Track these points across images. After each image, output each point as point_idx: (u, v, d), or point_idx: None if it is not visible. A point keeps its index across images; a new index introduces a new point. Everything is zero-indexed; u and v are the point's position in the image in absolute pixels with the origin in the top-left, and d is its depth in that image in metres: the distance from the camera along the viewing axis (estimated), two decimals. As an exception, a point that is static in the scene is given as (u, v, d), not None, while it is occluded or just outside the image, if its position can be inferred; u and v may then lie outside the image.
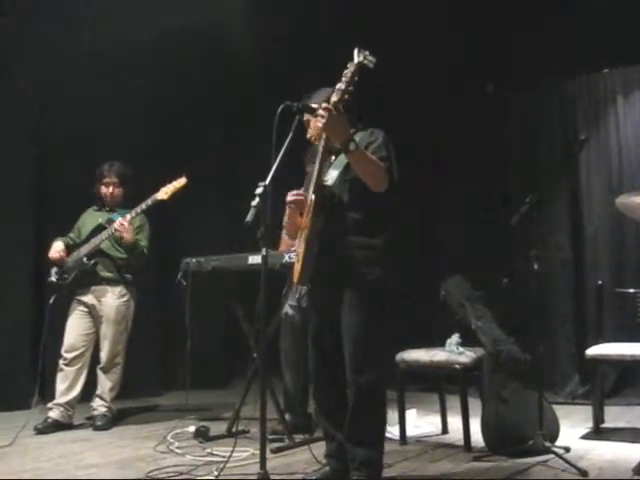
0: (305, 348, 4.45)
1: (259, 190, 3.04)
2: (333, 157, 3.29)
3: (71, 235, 5.04)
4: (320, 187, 3.17)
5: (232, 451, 3.31)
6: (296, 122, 3.21)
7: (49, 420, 4.63)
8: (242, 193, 4.39)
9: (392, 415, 4.00)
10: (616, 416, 4.86)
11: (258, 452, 3.00)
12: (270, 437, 4.01)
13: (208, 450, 3.95)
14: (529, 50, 5.92)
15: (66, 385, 4.73)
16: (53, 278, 4.88)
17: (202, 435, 4.26)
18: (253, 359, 4.38)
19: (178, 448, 4.06)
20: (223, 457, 3.59)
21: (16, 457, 3.90)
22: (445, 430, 4.49)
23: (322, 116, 3.00)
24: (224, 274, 4.54)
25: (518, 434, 3.77)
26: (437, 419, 4.55)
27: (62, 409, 4.69)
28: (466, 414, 4.03)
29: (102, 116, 5.95)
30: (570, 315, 5.94)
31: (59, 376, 4.77)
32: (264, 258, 3.07)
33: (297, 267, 3.19)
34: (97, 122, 5.94)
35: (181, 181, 4.73)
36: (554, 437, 3.91)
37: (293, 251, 4.12)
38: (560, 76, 6.16)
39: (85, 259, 4.83)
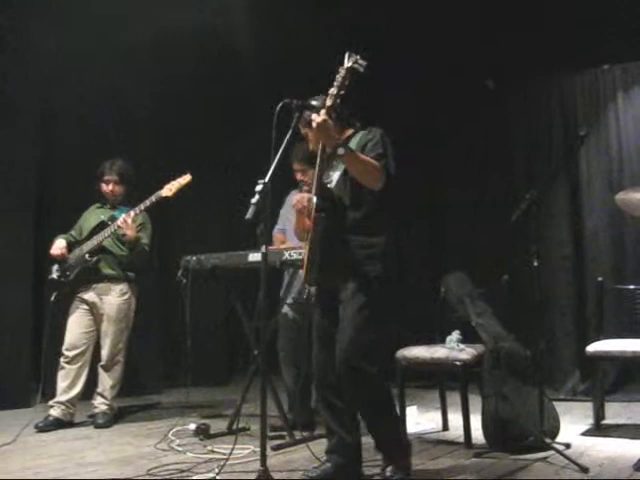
0: (304, 346, 4.49)
1: (259, 187, 3.06)
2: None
3: (72, 233, 5.05)
4: (322, 189, 3.22)
5: (232, 448, 3.33)
6: (295, 119, 3.23)
7: (50, 418, 4.64)
8: (243, 191, 4.42)
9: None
10: (617, 412, 4.87)
11: (259, 449, 3.01)
12: (270, 434, 4.02)
13: (209, 447, 3.96)
14: (529, 46, 5.91)
15: (67, 383, 4.74)
16: (54, 275, 4.88)
17: (203, 433, 4.27)
18: (254, 356, 4.38)
19: (179, 446, 4.07)
20: (224, 454, 3.59)
21: (18, 455, 3.90)
22: (446, 427, 4.50)
23: (313, 117, 3.09)
24: (224, 271, 4.54)
25: (518, 431, 3.77)
26: (438, 416, 4.56)
27: (63, 407, 4.70)
28: (466, 411, 4.04)
29: (104, 115, 5.97)
30: (570, 311, 5.94)
31: (60, 374, 4.78)
32: (264, 255, 3.08)
33: (304, 268, 3.24)
34: (99, 121, 5.95)
35: (185, 178, 4.73)
36: (555, 434, 3.91)
37: (292, 249, 4.14)
38: (560, 72, 6.16)
39: (87, 256, 4.83)
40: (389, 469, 3.21)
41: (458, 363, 4.07)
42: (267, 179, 3.11)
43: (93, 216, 5.04)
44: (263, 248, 3.09)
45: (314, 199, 3.20)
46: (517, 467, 3.48)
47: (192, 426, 4.36)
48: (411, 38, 6.08)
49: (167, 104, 6.41)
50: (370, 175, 3.16)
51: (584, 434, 4.25)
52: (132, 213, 4.74)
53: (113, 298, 4.87)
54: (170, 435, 4.30)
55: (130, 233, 4.77)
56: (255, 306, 4.64)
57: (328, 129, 3.10)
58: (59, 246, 4.89)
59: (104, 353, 4.85)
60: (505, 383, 3.92)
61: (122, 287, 4.92)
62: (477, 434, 3.96)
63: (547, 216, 5.88)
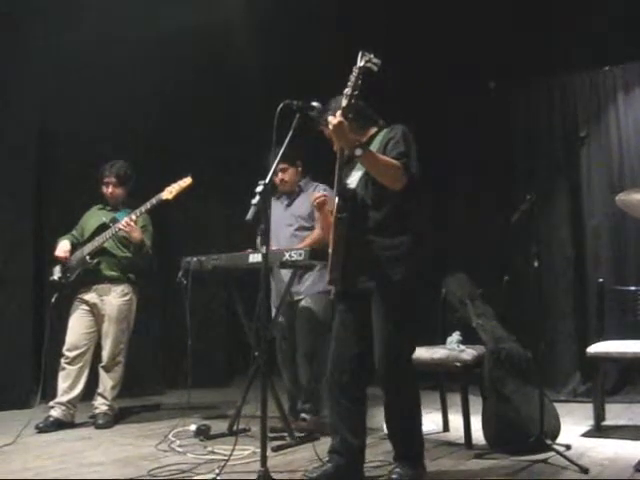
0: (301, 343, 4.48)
1: (259, 188, 3.06)
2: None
3: (74, 233, 5.06)
4: (343, 190, 3.22)
5: (233, 449, 3.33)
6: (296, 120, 3.23)
7: (51, 419, 4.64)
8: (243, 192, 4.43)
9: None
10: (617, 414, 4.86)
11: (259, 450, 3.01)
12: (271, 435, 4.02)
13: (209, 448, 3.96)
14: (530, 47, 5.91)
15: (68, 384, 4.74)
16: (55, 277, 4.88)
17: (203, 433, 4.27)
18: (254, 357, 4.37)
19: (179, 446, 4.07)
20: (224, 455, 3.58)
21: (18, 456, 3.90)
22: (446, 428, 4.50)
23: (330, 118, 3.09)
24: (225, 273, 4.54)
25: (519, 432, 3.77)
26: (438, 417, 4.55)
27: (64, 408, 4.70)
28: (467, 412, 4.04)
29: (104, 116, 5.96)
30: (571, 313, 5.94)
31: (61, 375, 4.78)
32: (264, 256, 3.09)
33: (328, 268, 3.25)
34: (99, 122, 5.95)
35: (186, 181, 4.73)
36: (555, 435, 3.91)
37: (292, 250, 4.15)
38: (561, 73, 6.16)
39: (88, 258, 4.84)
40: (395, 473, 3.20)
41: (458, 364, 4.07)
42: (267, 180, 3.12)
43: (94, 217, 5.05)
44: (263, 249, 3.09)
45: (335, 200, 3.20)
46: (518, 468, 3.48)
47: (193, 427, 4.36)
48: (413, 38, 6.09)
49: (167, 105, 6.41)
50: (390, 175, 3.15)
51: (584, 435, 4.25)
52: (133, 215, 4.75)
53: (114, 299, 4.88)
54: (171, 436, 4.30)
55: (136, 235, 4.77)
56: (255, 307, 4.68)
57: (344, 130, 3.08)
58: (63, 249, 4.90)
59: (105, 354, 4.85)
60: (506, 384, 3.92)
61: (123, 288, 4.92)
62: (477, 435, 3.96)
63: (548, 217, 5.88)
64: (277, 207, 4.63)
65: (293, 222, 4.59)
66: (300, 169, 4.67)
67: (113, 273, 4.91)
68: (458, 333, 4.23)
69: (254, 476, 3.01)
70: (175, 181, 4.74)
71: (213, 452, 3.87)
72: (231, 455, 3.33)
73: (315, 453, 3.48)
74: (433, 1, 5.99)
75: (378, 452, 3.77)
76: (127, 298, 4.93)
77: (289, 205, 4.67)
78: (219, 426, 4.46)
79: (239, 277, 4.65)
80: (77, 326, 4.85)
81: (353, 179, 3.33)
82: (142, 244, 4.85)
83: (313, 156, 4.61)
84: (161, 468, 3.52)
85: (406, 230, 3.25)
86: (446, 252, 6.32)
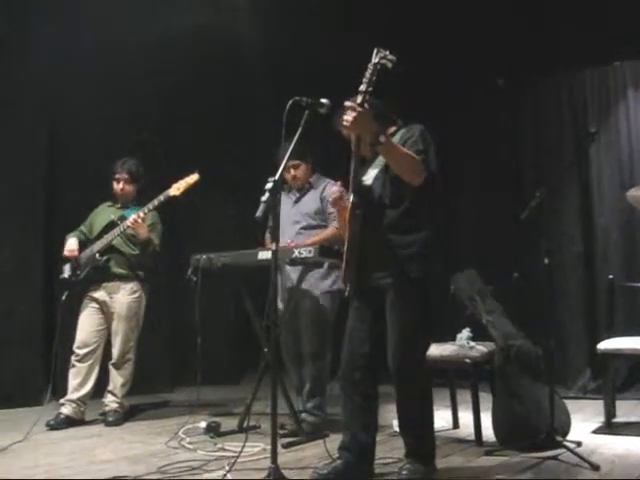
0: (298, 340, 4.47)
1: (269, 185, 3.06)
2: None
3: (83, 230, 5.07)
4: (358, 186, 3.21)
5: (243, 446, 3.33)
6: (305, 117, 3.22)
7: (61, 416, 4.66)
8: (252, 188, 4.43)
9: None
10: (628, 410, 4.85)
11: (269, 447, 3.01)
12: (281, 432, 4.02)
13: (219, 445, 3.97)
14: (539, 43, 5.90)
15: (78, 381, 4.76)
16: (65, 275, 4.90)
17: (213, 430, 4.28)
18: (264, 354, 4.38)
19: (189, 443, 4.07)
20: (234, 452, 3.59)
21: (29, 452, 3.92)
22: (456, 425, 4.50)
23: (346, 116, 3.07)
24: (235, 270, 4.55)
25: (529, 428, 3.76)
26: (448, 414, 4.55)
27: (74, 405, 4.71)
28: (477, 408, 4.03)
29: (112, 115, 5.98)
30: (581, 309, 5.92)
31: (71, 372, 4.80)
32: (274, 253, 3.09)
33: (343, 266, 3.25)
34: (107, 121, 5.96)
35: (193, 177, 4.73)
36: (565, 431, 3.91)
37: (302, 247, 4.14)
38: (570, 69, 6.14)
39: (97, 255, 4.85)
40: (405, 469, 3.20)
41: (468, 361, 4.07)
42: (277, 177, 3.12)
43: (103, 215, 5.06)
44: (273, 246, 3.09)
45: (350, 197, 3.19)
46: (528, 465, 3.47)
47: (203, 424, 4.37)
48: (421, 36, 6.07)
49: (174, 103, 6.41)
50: (410, 168, 3.13)
51: (595, 432, 4.24)
52: (141, 213, 4.76)
53: (123, 297, 4.89)
54: (181, 433, 4.31)
55: (142, 232, 4.78)
56: (265, 304, 4.68)
57: (366, 120, 3.07)
58: (70, 247, 4.91)
59: (115, 351, 4.87)
60: (516, 381, 3.91)
61: (132, 286, 4.93)
62: (488, 432, 3.96)
63: (557, 213, 5.86)
64: (285, 202, 4.59)
65: (300, 219, 4.56)
66: (311, 165, 4.65)
67: (122, 271, 4.92)
68: (468, 330, 4.22)
69: (264, 473, 3.01)
70: (182, 178, 4.74)
71: (223, 449, 3.88)
72: (241, 452, 3.33)
73: (325, 450, 3.48)
74: (442, 0, 5.98)
75: (389, 449, 3.77)
76: (136, 296, 4.94)
77: (297, 201, 4.63)
78: (229, 423, 4.47)
79: (248, 274, 4.65)
80: (87, 324, 4.86)
81: (369, 176, 3.33)
82: (149, 242, 4.86)
83: (323, 153, 4.62)
84: (171, 465, 3.53)
85: (422, 227, 3.25)
86: (456, 249, 6.31)
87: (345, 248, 3.22)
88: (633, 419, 4.63)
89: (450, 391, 4.54)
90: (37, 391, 5.42)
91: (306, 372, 4.51)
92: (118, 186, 5.03)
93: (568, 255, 5.94)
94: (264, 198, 3.03)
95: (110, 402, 4.82)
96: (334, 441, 3.56)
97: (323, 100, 3.27)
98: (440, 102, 6.38)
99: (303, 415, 4.37)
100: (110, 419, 4.73)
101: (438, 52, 6.19)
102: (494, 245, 6.10)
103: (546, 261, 3.74)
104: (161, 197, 4.74)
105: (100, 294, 4.90)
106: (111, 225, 4.90)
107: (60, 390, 4.99)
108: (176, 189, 4.70)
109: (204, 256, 4.46)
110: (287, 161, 4.36)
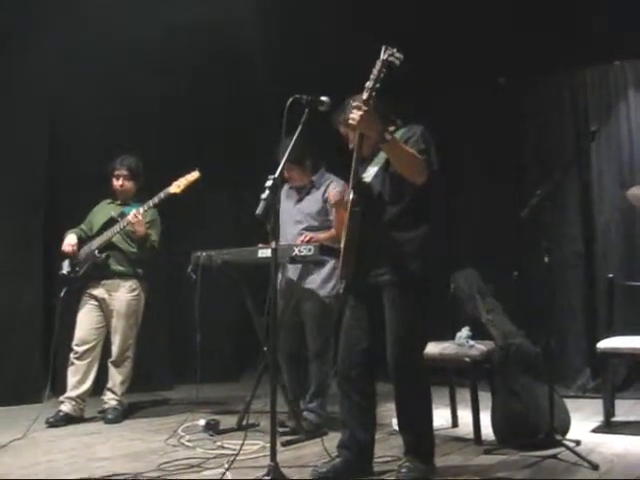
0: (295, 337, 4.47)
1: (269, 183, 3.06)
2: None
3: (83, 227, 5.07)
4: (358, 183, 3.22)
5: (242, 444, 3.33)
6: (305, 115, 3.22)
7: (60, 413, 4.65)
8: (252, 187, 4.42)
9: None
10: (627, 410, 4.85)
11: (268, 445, 3.01)
12: (280, 430, 4.03)
13: (218, 443, 3.97)
14: (541, 42, 5.88)
15: (77, 379, 4.76)
16: (64, 271, 4.90)
17: (212, 428, 4.28)
18: (263, 352, 4.38)
19: (189, 441, 4.07)
20: (233, 450, 3.60)
21: (29, 450, 3.92)
22: (455, 423, 4.50)
23: (353, 114, 3.07)
24: (234, 267, 4.55)
25: (529, 427, 3.76)
26: (447, 412, 4.55)
27: (73, 402, 4.71)
28: (476, 407, 4.03)
29: (112, 112, 5.97)
30: (581, 308, 5.91)
31: (70, 370, 4.80)
32: (274, 251, 3.09)
33: (340, 262, 3.26)
34: (108, 118, 5.96)
35: (194, 174, 4.73)
36: (565, 430, 3.91)
37: (302, 245, 4.14)
38: (571, 68, 6.13)
39: (97, 252, 4.85)
40: (404, 467, 3.20)
41: (467, 359, 4.07)
42: (277, 174, 3.12)
43: (103, 212, 5.06)
44: (273, 244, 3.09)
45: (350, 194, 3.20)
46: (527, 464, 3.48)
47: (202, 422, 4.37)
48: (422, 36, 6.06)
49: (175, 101, 6.40)
50: (413, 167, 3.15)
51: (594, 431, 4.25)
52: (141, 209, 4.75)
53: (122, 294, 4.89)
54: (180, 431, 4.32)
55: (139, 229, 4.78)
56: (264, 301, 4.69)
57: (372, 119, 3.08)
58: (70, 242, 4.91)
59: (114, 349, 4.87)
60: (515, 380, 3.91)
61: (131, 283, 4.93)
62: (487, 431, 3.96)
63: (558, 212, 5.85)
64: (287, 201, 4.58)
65: (302, 220, 4.51)
66: (309, 166, 4.59)
67: (122, 268, 4.92)
68: (467, 328, 4.22)
69: (263, 471, 3.01)
70: (183, 175, 4.74)
71: (222, 447, 3.88)
72: (240, 450, 3.33)
73: (324, 448, 3.48)
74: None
75: (388, 447, 3.78)
76: (136, 293, 4.94)
77: (299, 201, 4.57)
78: (228, 421, 4.47)
79: (248, 271, 4.66)
80: (86, 321, 4.86)
81: (369, 174, 3.33)
82: (146, 238, 4.85)
83: (323, 152, 4.61)
84: (170, 462, 3.53)
85: (421, 225, 3.26)
86: (456, 248, 6.30)
87: (343, 245, 3.23)
88: (632, 418, 4.63)
89: (449, 390, 4.54)
90: (36, 388, 5.42)
91: (311, 373, 4.49)
92: (118, 183, 5.03)
93: (568, 254, 5.93)
94: (264, 196, 3.03)
95: (109, 400, 4.81)
96: (333, 439, 3.57)
97: (323, 98, 3.27)
98: (441, 101, 6.37)
99: (305, 414, 4.37)
100: (109, 416, 4.72)
101: (439, 51, 6.18)
102: (494, 244, 6.10)
103: (546, 260, 3.74)
104: (161, 194, 4.74)
105: (99, 291, 4.90)
106: (111, 222, 4.90)
107: (59, 388, 5.00)
108: (176, 186, 4.70)
109: (204, 253, 4.46)
110: (284, 162, 4.43)
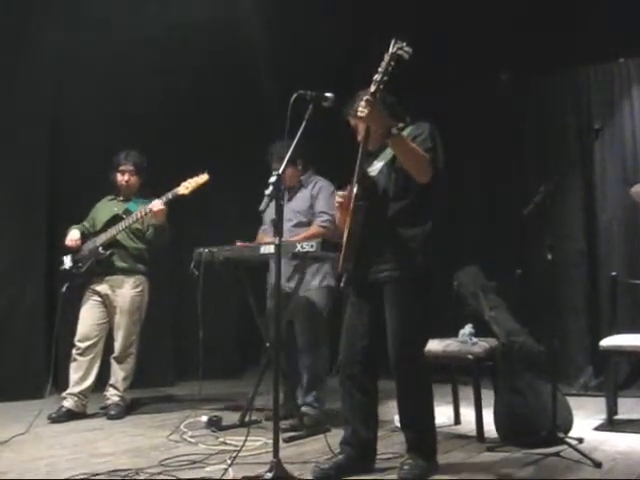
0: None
1: (273, 179, 3.06)
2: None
3: (85, 224, 5.07)
4: (363, 177, 3.20)
5: (245, 440, 3.33)
6: (310, 111, 3.22)
7: (63, 409, 4.66)
8: (256, 183, 4.42)
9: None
10: (630, 408, 4.84)
11: (271, 441, 3.01)
12: (282, 426, 4.03)
13: (221, 439, 3.97)
14: (544, 39, 5.87)
15: (80, 375, 4.76)
16: (66, 266, 4.90)
17: (215, 424, 4.28)
18: (266, 349, 4.38)
19: (191, 437, 4.08)
20: (236, 446, 3.59)
21: (31, 445, 3.92)
22: (458, 421, 4.49)
23: (362, 107, 3.07)
24: (236, 264, 4.55)
25: (531, 425, 3.76)
26: (449, 410, 4.54)
27: (76, 398, 4.72)
28: (479, 404, 4.02)
29: (116, 109, 5.97)
30: (584, 306, 5.91)
31: (73, 366, 4.80)
32: (277, 247, 3.08)
33: (341, 256, 3.24)
34: (111, 116, 5.96)
35: (203, 177, 4.69)
36: (567, 428, 3.90)
37: (304, 240, 4.15)
38: (575, 65, 6.12)
39: (101, 249, 4.85)
40: (407, 464, 3.20)
41: (470, 357, 4.06)
42: (281, 170, 3.12)
43: (106, 208, 5.06)
44: (276, 240, 3.09)
45: (355, 188, 3.19)
46: (529, 461, 3.47)
47: (204, 418, 4.38)
48: (424, 35, 6.02)
49: (175, 100, 6.40)
50: (418, 164, 3.15)
51: (597, 429, 4.24)
52: (161, 200, 4.71)
53: (126, 290, 4.89)
54: (182, 427, 4.32)
55: (161, 219, 4.76)
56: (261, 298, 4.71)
57: (380, 109, 3.09)
58: (73, 237, 4.91)
59: (117, 345, 4.87)
60: (518, 377, 3.91)
61: (135, 280, 4.93)
62: (489, 428, 3.96)
63: (561, 210, 5.85)
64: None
65: (292, 217, 4.57)
66: (300, 167, 4.64)
67: (125, 265, 4.92)
68: (470, 326, 4.22)
69: (266, 467, 3.01)
70: (191, 176, 4.71)
71: (225, 443, 3.88)
72: (243, 445, 3.33)
73: (327, 444, 3.48)
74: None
75: (390, 444, 3.78)
76: (139, 290, 4.94)
77: (289, 200, 4.63)
78: (231, 417, 4.48)
79: (250, 268, 4.66)
80: (88, 317, 4.86)
81: (374, 168, 3.33)
82: (164, 228, 4.84)
83: (317, 152, 4.62)
84: (173, 458, 3.53)
85: (423, 223, 3.26)
86: (459, 245, 6.30)
87: (344, 239, 3.22)
88: (635, 416, 4.62)
89: (452, 387, 4.54)
90: (39, 384, 5.43)
91: (302, 366, 4.52)
92: (123, 178, 5.02)
93: (571, 251, 5.92)
94: (268, 192, 3.04)
95: (112, 396, 4.82)
96: (335, 436, 3.56)
97: (327, 94, 3.27)
98: (444, 99, 6.36)
99: (303, 408, 4.38)
100: (112, 412, 4.73)
101: (441, 50, 6.17)
102: (497, 241, 6.10)
103: (549, 257, 3.73)
104: (169, 195, 4.72)
105: (102, 287, 4.90)
106: (115, 219, 4.90)
107: (62, 383, 5.00)
108: (185, 188, 4.68)
109: (206, 250, 4.46)
110: (276, 163, 4.43)
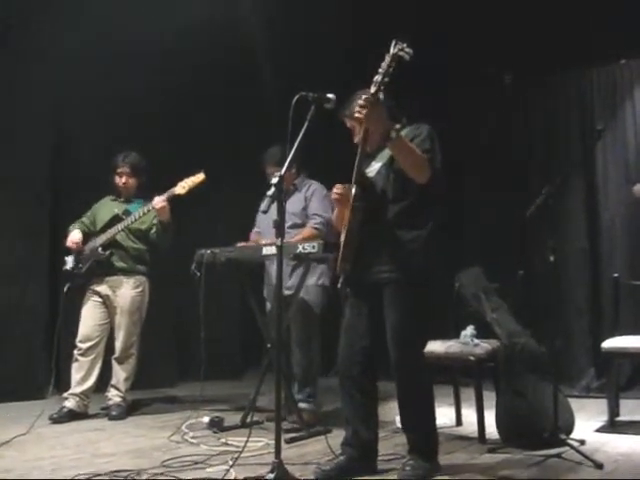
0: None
1: (274, 180, 3.06)
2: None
3: (85, 221, 5.06)
4: (361, 178, 3.19)
5: (247, 441, 3.33)
6: (311, 112, 3.21)
7: (64, 410, 4.66)
8: (256, 183, 4.42)
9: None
10: (632, 409, 4.82)
11: (272, 442, 3.01)
12: (284, 427, 4.03)
13: (222, 440, 3.97)
14: (546, 41, 5.87)
15: (81, 375, 4.76)
16: (68, 266, 4.91)
17: (216, 425, 4.28)
18: (267, 350, 4.39)
19: (193, 438, 4.08)
20: (237, 447, 3.59)
21: (33, 446, 3.92)
22: (459, 422, 4.49)
23: (362, 107, 3.06)
24: (238, 265, 4.55)
25: (533, 426, 3.75)
26: (451, 411, 4.54)
27: (77, 399, 4.72)
28: (481, 406, 4.02)
29: (118, 110, 5.97)
30: (586, 307, 5.90)
31: (74, 366, 4.80)
32: (279, 247, 3.08)
33: (339, 256, 3.23)
34: (113, 116, 5.96)
35: (199, 177, 4.70)
36: (569, 430, 3.89)
37: (306, 242, 4.15)
38: (577, 67, 6.11)
39: (100, 250, 4.85)
40: (408, 465, 3.20)
41: (472, 358, 4.06)
42: (282, 172, 3.11)
43: (106, 208, 5.06)
44: (278, 241, 3.08)
45: (353, 188, 3.18)
46: (531, 463, 3.47)
47: (206, 419, 4.38)
48: (427, 34, 6.03)
49: (176, 100, 6.40)
50: (417, 166, 3.15)
51: (599, 430, 4.23)
52: (164, 196, 4.71)
53: (127, 291, 4.89)
54: (184, 427, 4.31)
55: (165, 216, 4.76)
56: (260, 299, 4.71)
57: (380, 112, 3.08)
58: (73, 239, 4.91)
59: (118, 346, 4.87)
60: (520, 379, 3.90)
61: (135, 280, 4.94)
62: (491, 430, 3.95)
63: (563, 211, 5.85)
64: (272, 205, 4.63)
65: (287, 219, 4.54)
66: (293, 170, 4.64)
67: (125, 265, 4.92)
68: (472, 327, 4.22)
69: (267, 468, 3.01)
70: (188, 176, 4.72)
71: (226, 444, 3.88)
72: (245, 446, 3.33)
73: (328, 445, 3.48)
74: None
75: (392, 445, 3.77)
76: (140, 290, 4.95)
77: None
78: (232, 418, 4.48)
79: (252, 269, 4.67)
80: (89, 318, 4.87)
81: (373, 169, 3.33)
82: (169, 225, 4.84)
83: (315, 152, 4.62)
84: (174, 459, 3.53)
85: (423, 225, 3.25)
86: (461, 247, 6.30)
87: (343, 239, 3.21)
88: (637, 418, 4.61)
89: (454, 388, 4.53)
90: (40, 385, 5.43)
91: (295, 362, 4.55)
92: (121, 180, 5.02)
93: (574, 252, 5.92)
94: (269, 192, 3.04)
95: (113, 396, 4.82)
96: (336, 437, 3.56)
97: (329, 95, 3.26)
98: (447, 100, 6.36)
99: (300, 404, 4.39)
100: (113, 413, 4.73)
101: (445, 50, 6.16)
102: (499, 243, 6.09)
103: (551, 259, 3.73)
104: (166, 195, 4.73)
105: (103, 288, 4.90)
106: (115, 219, 4.91)
107: (63, 384, 5.00)
108: (181, 187, 4.69)
109: (208, 251, 4.47)
110: (269, 167, 4.49)
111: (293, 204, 4.65)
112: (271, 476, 2.94)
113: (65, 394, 4.78)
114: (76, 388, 4.74)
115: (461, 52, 6.19)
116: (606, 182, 5.94)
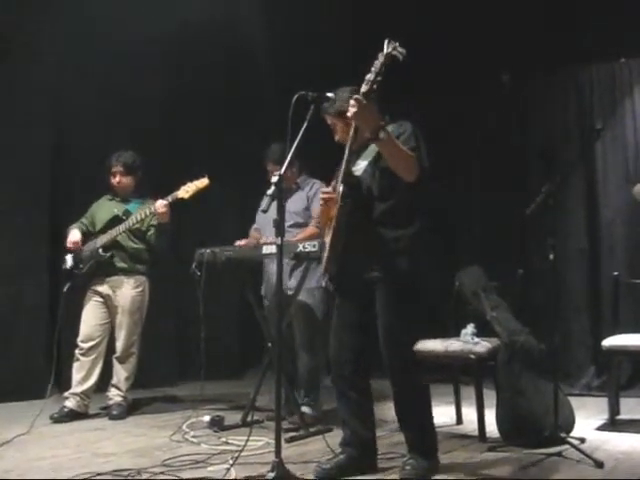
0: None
1: (274, 179, 3.06)
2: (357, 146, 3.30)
3: (84, 222, 5.06)
4: (348, 177, 3.19)
5: (247, 440, 3.33)
6: (311, 112, 3.22)
7: (65, 409, 4.67)
8: (256, 183, 4.43)
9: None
10: (632, 408, 4.83)
11: (273, 441, 3.01)
12: (284, 427, 4.03)
13: (223, 439, 3.98)
14: (546, 40, 5.87)
15: (82, 375, 4.77)
16: (67, 266, 4.91)
17: (217, 424, 4.29)
18: (267, 349, 4.39)
19: (193, 437, 4.08)
20: (238, 446, 3.60)
21: (33, 445, 3.93)
22: (459, 421, 4.49)
23: (352, 106, 3.04)
24: (238, 264, 4.55)
25: (533, 425, 3.76)
26: (451, 410, 4.54)
27: (78, 398, 4.72)
28: (481, 404, 4.02)
29: (118, 112, 5.98)
30: (586, 306, 5.90)
31: (75, 366, 4.81)
32: (279, 246, 3.08)
33: (325, 256, 3.23)
34: (113, 119, 5.97)
35: (203, 181, 4.66)
36: (569, 428, 3.90)
37: (307, 240, 4.15)
38: (576, 65, 6.11)
39: (101, 250, 4.85)
40: (408, 464, 3.20)
41: (472, 356, 4.06)
42: (282, 171, 3.12)
43: (104, 208, 5.05)
44: (278, 240, 3.09)
45: (340, 187, 3.18)
46: (531, 461, 3.47)
47: (206, 418, 4.38)
48: (425, 33, 6.05)
49: (176, 100, 6.40)
50: (405, 164, 3.13)
51: (599, 429, 4.24)
52: (147, 210, 4.73)
53: (127, 290, 4.90)
54: (184, 427, 4.32)
55: (166, 219, 4.75)
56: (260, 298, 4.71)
57: (371, 111, 3.06)
58: (73, 239, 4.91)
59: (119, 345, 4.87)
60: (520, 377, 3.90)
61: (135, 280, 4.94)
62: (491, 428, 3.95)
63: (563, 209, 5.84)
64: (274, 203, 4.63)
65: (288, 218, 4.53)
66: (295, 169, 4.64)
67: (125, 265, 4.92)
68: (472, 325, 4.21)
69: (268, 467, 3.02)
70: (191, 178, 4.70)
71: (227, 443, 3.89)
72: (245, 445, 3.33)
73: (327, 445, 3.48)
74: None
75: (392, 444, 3.77)
76: (140, 290, 4.95)
77: (285, 201, 4.64)
78: (233, 417, 4.48)
79: (252, 268, 4.67)
80: (90, 318, 4.87)
81: (359, 167, 3.30)
82: (166, 227, 4.83)
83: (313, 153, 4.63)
84: (175, 458, 3.54)
85: (411, 223, 3.24)
86: (461, 245, 6.30)
87: (329, 238, 3.19)
88: (637, 416, 4.61)
89: (454, 387, 4.53)
90: (41, 384, 5.42)
91: (301, 365, 4.55)
92: (115, 179, 5.01)
93: (573, 251, 5.91)
94: (269, 192, 3.04)
95: (114, 396, 4.82)
96: (336, 436, 3.56)
97: (329, 94, 3.27)
98: (445, 98, 6.36)
99: (303, 408, 4.39)
100: (114, 412, 4.73)
101: (443, 48, 6.16)
102: (499, 241, 6.09)
103: (551, 257, 3.73)
104: (169, 198, 4.71)
105: (104, 288, 4.90)
106: (115, 220, 4.90)
107: (64, 383, 5.00)
108: (185, 191, 4.66)
109: (208, 250, 4.47)
110: (270, 165, 4.50)
111: (295, 203, 4.65)
112: (271, 475, 2.95)
113: (66, 394, 4.78)
114: (77, 388, 4.74)
115: (460, 51, 6.18)
116: (605, 181, 5.93)
